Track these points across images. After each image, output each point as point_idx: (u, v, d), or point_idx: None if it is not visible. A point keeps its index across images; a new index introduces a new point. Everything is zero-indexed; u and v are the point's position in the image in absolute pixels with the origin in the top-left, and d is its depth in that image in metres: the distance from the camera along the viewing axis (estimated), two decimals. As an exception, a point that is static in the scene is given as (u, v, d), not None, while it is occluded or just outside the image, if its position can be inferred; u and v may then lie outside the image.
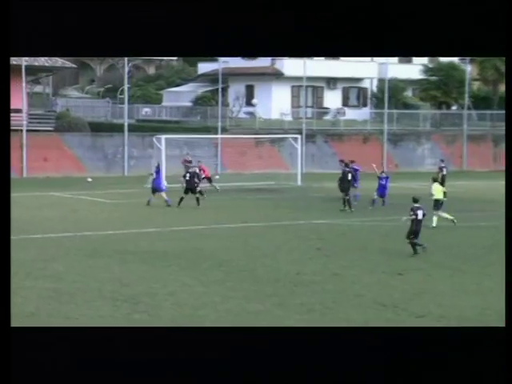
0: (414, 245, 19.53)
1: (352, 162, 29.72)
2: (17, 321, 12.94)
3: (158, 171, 29.64)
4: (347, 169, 28.27)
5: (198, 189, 28.84)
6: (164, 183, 30.07)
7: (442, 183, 32.95)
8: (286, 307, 14.37)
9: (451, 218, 24.41)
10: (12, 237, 19.27)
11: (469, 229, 24.71)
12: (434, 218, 23.83)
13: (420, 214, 19.45)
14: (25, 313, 13.63)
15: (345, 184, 27.50)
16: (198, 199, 28.27)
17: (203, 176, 31.59)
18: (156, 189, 29.03)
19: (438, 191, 24.55)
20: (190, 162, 36.00)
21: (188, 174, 28.92)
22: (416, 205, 19.66)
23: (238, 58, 52.15)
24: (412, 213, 19.47)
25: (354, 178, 28.37)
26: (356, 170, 29.10)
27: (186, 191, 28.51)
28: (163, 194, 28.74)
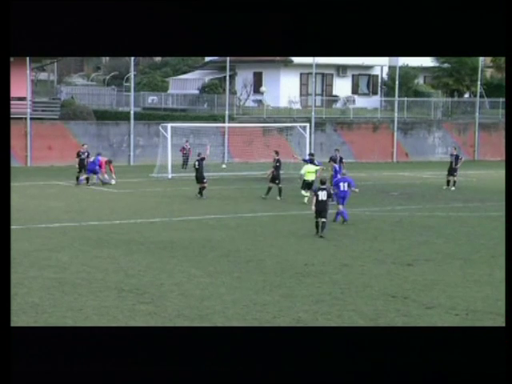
0: (316, 225, 20.57)
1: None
2: (21, 311, 12.82)
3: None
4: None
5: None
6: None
7: (450, 171, 32.68)
8: (294, 298, 14.18)
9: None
10: (16, 226, 19.28)
11: (480, 219, 24.46)
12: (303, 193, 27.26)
13: (322, 195, 20.59)
14: (29, 303, 13.50)
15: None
16: (202, 188, 27.95)
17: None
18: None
19: (308, 173, 27.32)
20: (185, 149, 35.75)
21: (197, 163, 28.50)
22: (322, 186, 20.81)
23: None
24: (314, 193, 21.23)
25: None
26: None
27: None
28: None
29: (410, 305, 13.94)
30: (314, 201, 20.77)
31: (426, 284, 15.53)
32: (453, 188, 32.20)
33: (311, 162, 28.26)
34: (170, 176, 35.15)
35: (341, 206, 22.59)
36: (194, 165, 28.67)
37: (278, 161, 28.63)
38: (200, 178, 28.07)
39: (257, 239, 20.19)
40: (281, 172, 28.70)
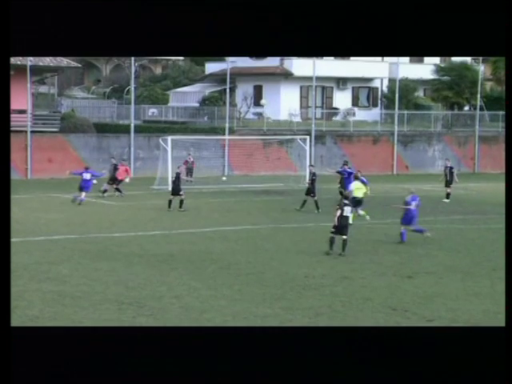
0: (331, 241, 19.73)
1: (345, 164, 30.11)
2: (20, 324, 12.78)
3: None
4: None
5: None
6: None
7: (447, 183, 32.68)
8: (294, 311, 14.16)
9: (363, 213, 25.72)
10: (16, 239, 19.25)
11: (480, 231, 24.45)
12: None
13: (347, 210, 20.01)
14: (29, 316, 13.51)
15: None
16: (181, 201, 27.93)
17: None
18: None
19: (357, 190, 25.27)
20: (188, 162, 35.94)
21: (174, 175, 28.87)
22: (346, 201, 20.19)
23: (246, 58, 51.82)
24: (338, 207, 20.14)
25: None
26: (350, 173, 28.48)
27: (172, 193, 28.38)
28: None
29: (410, 317, 13.92)
30: (337, 215, 19.71)
31: (427, 297, 15.51)
32: (447, 200, 32.12)
33: (356, 177, 26.52)
34: (170, 188, 35.12)
35: (412, 227, 21.48)
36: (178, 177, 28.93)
37: (314, 174, 28.52)
38: (177, 191, 28.16)
39: (257, 252, 20.18)
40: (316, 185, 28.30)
